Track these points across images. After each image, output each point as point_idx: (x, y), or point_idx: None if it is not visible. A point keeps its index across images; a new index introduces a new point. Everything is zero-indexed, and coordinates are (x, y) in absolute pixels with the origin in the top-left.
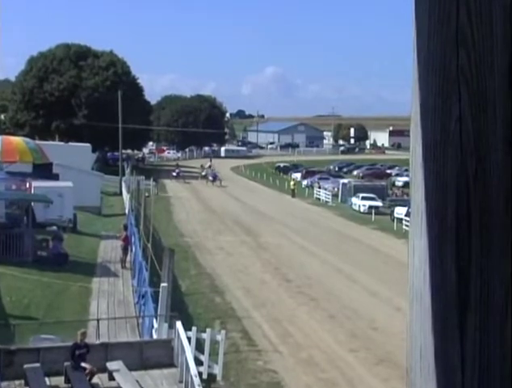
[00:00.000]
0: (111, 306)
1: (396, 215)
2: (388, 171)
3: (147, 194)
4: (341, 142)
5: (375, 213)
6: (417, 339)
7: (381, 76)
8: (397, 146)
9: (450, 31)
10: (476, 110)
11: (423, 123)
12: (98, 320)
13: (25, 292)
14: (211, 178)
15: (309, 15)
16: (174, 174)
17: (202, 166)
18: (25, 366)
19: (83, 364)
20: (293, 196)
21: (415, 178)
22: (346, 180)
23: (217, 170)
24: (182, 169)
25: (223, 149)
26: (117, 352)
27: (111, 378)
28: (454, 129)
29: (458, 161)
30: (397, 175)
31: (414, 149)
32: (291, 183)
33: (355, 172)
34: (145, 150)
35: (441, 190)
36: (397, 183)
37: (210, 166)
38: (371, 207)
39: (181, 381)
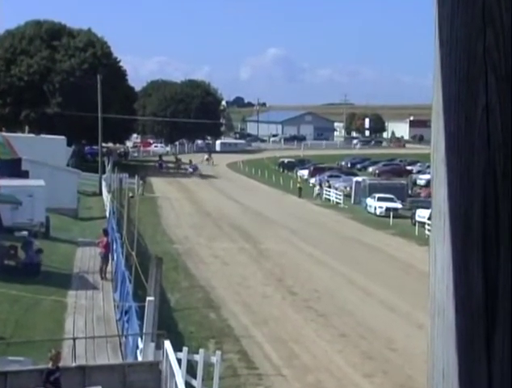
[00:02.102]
0: (90, 323)
1: (417, 218)
2: (409, 168)
3: (131, 194)
4: (354, 134)
5: (394, 216)
6: (439, 358)
7: (401, 58)
8: (419, 139)
9: (476, 10)
10: (505, 97)
11: (446, 112)
12: (74, 339)
13: None
14: (190, 170)
15: None
16: (157, 165)
17: (190, 161)
18: None
19: None
20: (300, 195)
21: (437, 175)
22: (359, 178)
23: (211, 164)
24: (170, 164)
25: (218, 142)
26: (96, 377)
27: None
28: (480, 120)
29: (485, 156)
30: (419, 172)
31: (436, 143)
32: (298, 181)
33: (371, 169)
34: (129, 144)
35: (466, 189)
36: (419, 182)
37: (208, 160)
38: (388, 209)
39: None
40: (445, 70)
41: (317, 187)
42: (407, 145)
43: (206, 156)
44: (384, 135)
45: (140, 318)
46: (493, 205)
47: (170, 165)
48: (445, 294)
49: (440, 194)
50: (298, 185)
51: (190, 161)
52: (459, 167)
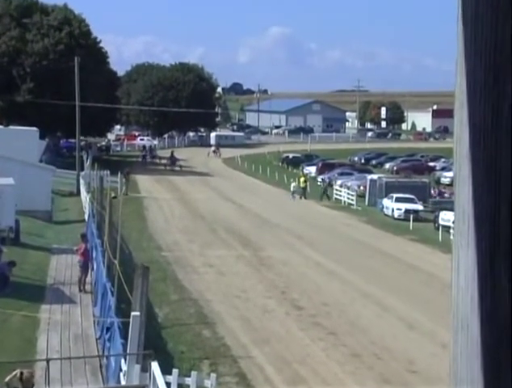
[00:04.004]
0: (66, 342)
1: (441, 222)
2: (431, 164)
3: (113, 194)
4: (369, 126)
5: (414, 220)
6: (462, 378)
7: (423, 37)
8: (443, 131)
9: None
10: None
11: (470, 103)
12: (47, 360)
13: None
14: (169, 161)
15: None
16: (140, 159)
17: (172, 153)
18: None
19: None
20: (304, 196)
21: (460, 172)
22: (375, 176)
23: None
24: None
25: (213, 134)
26: None
27: None
28: (508, 111)
29: None
30: (443, 169)
31: (459, 136)
32: (302, 179)
33: (388, 165)
34: (111, 137)
35: (492, 188)
36: (443, 180)
37: (215, 152)
38: (408, 211)
39: None
40: (469, 56)
41: (322, 185)
42: (429, 139)
43: (213, 148)
44: (403, 126)
45: (124, 336)
46: None
47: (161, 161)
48: (469, 306)
49: (464, 194)
50: (301, 184)
51: (172, 152)
52: (484, 163)
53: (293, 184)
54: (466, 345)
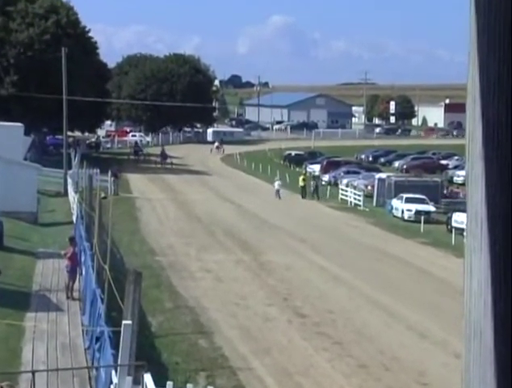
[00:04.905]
0: (52, 353)
1: (454, 224)
2: (444, 162)
3: (103, 194)
4: (377, 121)
5: (426, 222)
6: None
7: (434, 27)
8: (456, 126)
9: None
10: None
11: (483, 97)
12: (33, 372)
13: None
14: (160, 158)
15: None
16: (132, 156)
17: (163, 149)
18: None
19: None
20: (303, 196)
21: (472, 171)
22: (383, 175)
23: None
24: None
25: (210, 130)
26: None
27: None
28: None
29: None
30: (456, 167)
31: (472, 133)
32: (301, 177)
33: (397, 163)
34: (101, 133)
35: (506, 188)
36: (456, 179)
37: (218, 148)
38: (419, 212)
39: None
40: (482, 47)
41: (313, 182)
42: (442, 135)
43: (216, 144)
44: (414, 122)
45: (115, 346)
46: None
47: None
48: (482, 313)
49: (477, 194)
50: (300, 183)
51: (163, 148)
52: (497, 162)
53: (277, 182)
54: (479, 353)
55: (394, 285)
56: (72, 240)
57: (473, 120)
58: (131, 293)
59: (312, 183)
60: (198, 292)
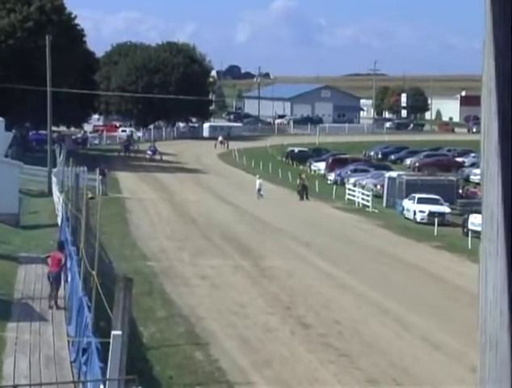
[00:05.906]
0: (36, 366)
1: (471, 226)
2: (459, 160)
3: (90, 194)
4: (387, 115)
5: (440, 224)
6: None
7: (449, 13)
8: (473, 121)
9: None
10: None
11: (499, 90)
12: (15, 387)
13: None
14: (149, 153)
15: None
16: (122, 153)
17: (154, 141)
18: None
19: None
20: (301, 197)
21: (488, 170)
22: (394, 173)
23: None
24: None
25: (206, 125)
26: None
27: None
28: None
29: None
30: (473, 165)
31: (487, 128)
32: (302, 176)
33: (409, 161)
34: (88, 128)
35: None
36: (473, 178)
37: (222, 143)
38: (432, 214)
39: None
40: (498, 36)
41: (299, 181)
42: (457, 130)
43: (220, 139)
44: (427, 116)
45: (103, 358)
46: None
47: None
48: (498, 322)
49: (492, 194)
50: (299, 181)
51: (154, 140)
52: None
53: (258, 181)
54: (495, 366)
55: (405, 293)
56: (61, 244)
57: (489, 113)
58: (120, 300)
59: (298, 181)
60: (193, 300)
